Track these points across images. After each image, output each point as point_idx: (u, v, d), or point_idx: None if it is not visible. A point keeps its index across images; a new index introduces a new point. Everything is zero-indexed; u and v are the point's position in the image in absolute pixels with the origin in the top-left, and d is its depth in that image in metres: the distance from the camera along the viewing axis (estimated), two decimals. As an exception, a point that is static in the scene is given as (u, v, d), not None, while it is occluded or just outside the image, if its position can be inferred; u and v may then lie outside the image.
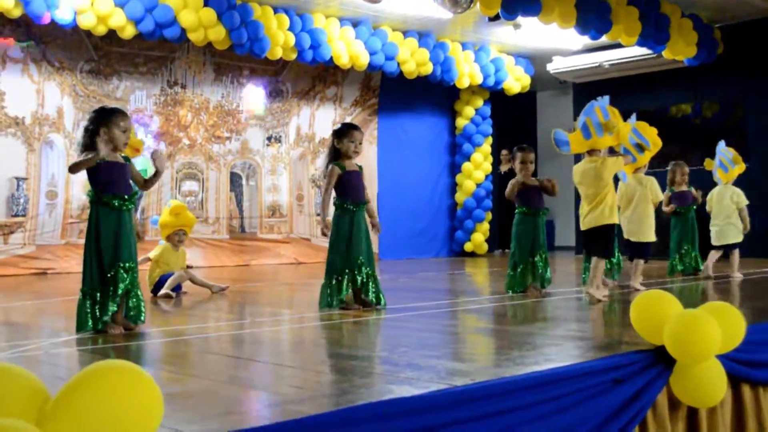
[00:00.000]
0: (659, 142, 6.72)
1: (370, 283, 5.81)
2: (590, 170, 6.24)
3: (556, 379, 3.11)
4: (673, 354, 3.55)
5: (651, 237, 7.39)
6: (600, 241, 6.23)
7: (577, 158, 6.77)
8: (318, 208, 12.46)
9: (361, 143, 5.94)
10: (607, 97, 6.35)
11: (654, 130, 6.71)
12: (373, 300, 5.80)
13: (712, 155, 8.57)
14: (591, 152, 6.32)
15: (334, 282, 5.75)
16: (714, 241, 8.44)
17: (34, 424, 1.80)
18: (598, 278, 6.21)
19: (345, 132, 5.87)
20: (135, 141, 5.43)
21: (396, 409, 2.58)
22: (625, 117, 6.70)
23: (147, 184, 5.09)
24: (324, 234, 6.02)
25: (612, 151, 6.61)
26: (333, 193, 5.86)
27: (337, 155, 5.88)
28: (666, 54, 11.31)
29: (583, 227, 6.33)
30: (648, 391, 3.42)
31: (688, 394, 3.57)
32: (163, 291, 6.88)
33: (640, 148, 6.59)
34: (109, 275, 4.61)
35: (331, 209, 5.93)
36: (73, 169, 4.75)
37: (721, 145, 8.42)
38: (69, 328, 4.70)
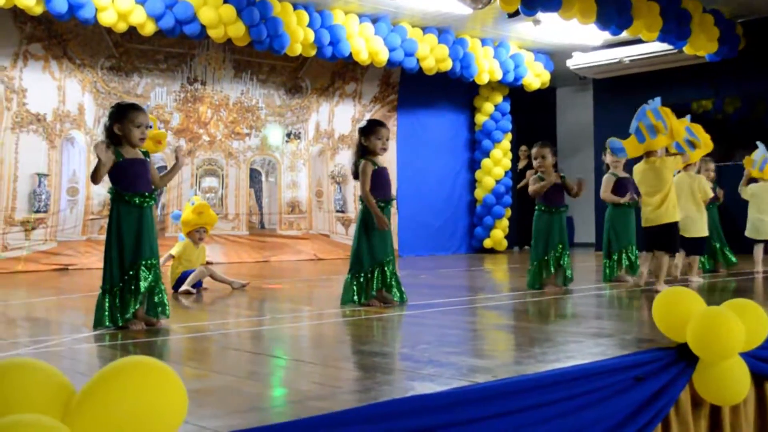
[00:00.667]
0: (711, 145, 6.95)
1: (394, 280, 5.81)
2: (650, 170, 6.56)
3: (577, 377, 3.09)
4: (696, 351, 3.52)
5: (704, 232, 7.55)
6: (664, 238, 6.51)
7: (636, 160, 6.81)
8: (338, 205, 12.49)
9: (388, 139, 5.86)
10: (658, 99, 6.58)
11: (707, 135, 6.91)
12: (397, 297, 5.79)
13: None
14: (648, 154, 6.60)
15: (362, 278, 5.73)
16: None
17: (60, 420, 1.81)
18: (664, 273, 6.58)
19: (371, 129, 5.81)
20: (158, 133, 5.45)
21: (418, 406, 2.58)
22: (679, 116, 6.83)
23: (164, 179, 5.10)
24: (382, 228, 5.76)
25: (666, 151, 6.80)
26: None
27: (364, 152, 5.82)
28: (687, 50, 11.22)
29: (645, 224, 6.62)
30: (670, 389, 3.40)
31: (711, 392, 3.54)
32: (183, 287, 6.92)
33: (693, 145, 6.74)
34: (130, 272, 4.62)
35: (354, 205, 5.88)
36: (94, 178, 4.69)
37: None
38: (90, 324, 4.72)
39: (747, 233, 8.58)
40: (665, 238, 6.50)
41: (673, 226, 6.55)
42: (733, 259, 8.55)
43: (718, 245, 8.57)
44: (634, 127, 6.55)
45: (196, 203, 7.46)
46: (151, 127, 4.98)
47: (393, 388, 2.94)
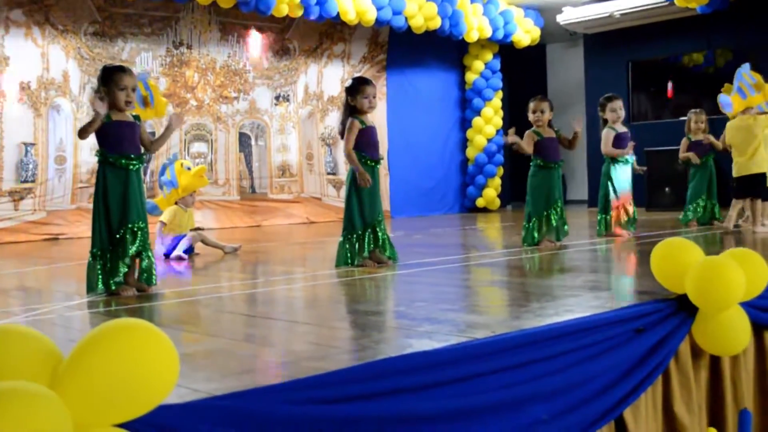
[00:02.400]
0: None
1: (386, 240, 5.77)
2: (744, 127, 7.48)
3: (577, 330, 3.05)
4: (696, 302, 3.48)
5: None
6: (755, 185, 7.50)
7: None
8: (329, 167, 12.41)
9: (375, 97, 5.78)
10: (747, 64, 7.64)
11: None
12: (390, 256, 5.76)
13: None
14: (744, 111, 7.56)
15: (354, 239, 5.69)
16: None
17: (48, 386, 1.76)
18: (758, 216, 7.54)
19: (357, 87, 5.72)
20: (161, 101, 5.43)
21: (416, 363, 2.53)
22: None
23: (155, 143, 5.03)
24: (366, 185, 5.67)
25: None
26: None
27: (352, 112, 5.74)
28: (678, 2, 11.11)
29: (737, 174, 7.58)
30: (670, 340, 3.36)
31: (711, 343, 3.51)
32: (175, 253, 6.87)
33: None
34: (117, 236, 4.56)
35: (346, 167, 5.83)
36: (81, 134, 4.62)
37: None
38: (82, 292, 4.67)
39: None
40: (755, 185, 7.48)
41: (762, 176, 7.45)
42: (719, 216, 8.50)
43: (704, 198, 8.48)
44: (736, 88, 7.54)
45: (199, 167, 7.52)
46: (137, 89, 4.88)
47: (390, 346, 2.89)
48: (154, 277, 4.74)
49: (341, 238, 5.76)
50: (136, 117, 4.80)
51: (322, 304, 4.39)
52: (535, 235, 6.67)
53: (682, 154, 8.62)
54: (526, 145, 6.74)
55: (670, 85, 13.58)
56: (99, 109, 4.49)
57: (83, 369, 1.78)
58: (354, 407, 2.29)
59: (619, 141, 7.45)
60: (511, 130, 6.64)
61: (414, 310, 3.69)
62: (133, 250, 4.58)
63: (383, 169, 5.90)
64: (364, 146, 5.73)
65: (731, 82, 7.71)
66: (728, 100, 7.59)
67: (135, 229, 4.59)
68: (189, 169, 7.37)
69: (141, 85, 5.26)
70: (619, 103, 7.47)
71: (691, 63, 13.19)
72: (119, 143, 4.61)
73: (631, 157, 7.54)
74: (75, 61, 10.19)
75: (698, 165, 8.51)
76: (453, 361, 2.61)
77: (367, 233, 5.68)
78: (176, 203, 7.24)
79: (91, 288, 4.59)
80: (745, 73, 7.49)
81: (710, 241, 6.85)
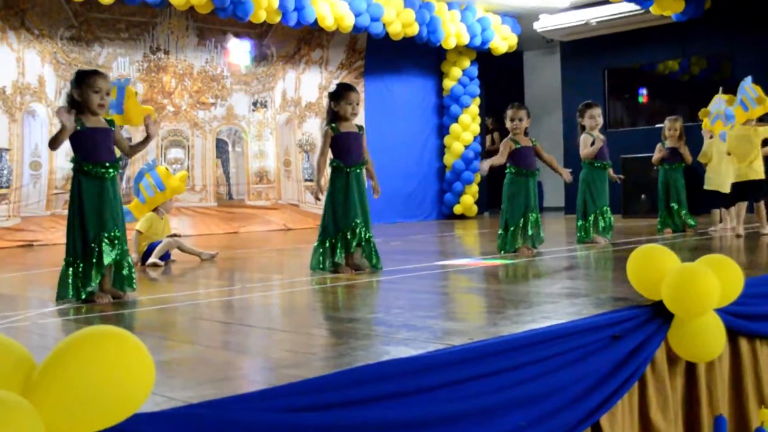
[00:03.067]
0: None
1: (371, 248, 5.77)
2: (744, 136, 7.80)
3: (554, 337, 3.06)
4: (671, 308, 3.50)
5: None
6: (752, 190, 7.81)
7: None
8: (305, 174, 12.38)
9: (358, 104, 5.89)
10: (749, 78, 7.91)
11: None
12: (372, 263, 5.75)
13: (700, 112, 8.65)
14: (745, 122, 7.89)
15: (327, 245, 5.72)
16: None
17: (20, 394, 1.73)
18: (765, 218, 7.88)
19: (340, 93, 5.81)
20: (144, 109, 5.40)
21: (394, 371, 2.53)
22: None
23: (133, 150, 5.00)
24: (317, 198, 5.97)
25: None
26: (330, 155, 5.83)
27: (334, 117, 5.82)
28: (654, 9, 11.20)
29: (736, 180, 7.87)
30: (646, 347, 3.38)
31: (687, 349, 3.53)
32: (151, 259, 6.82)
33: None
34: (93, 245, 4.51)
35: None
36: (52, 145, 4.55)
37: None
38: (55, 299, 4.62)
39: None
40: (755, 190, 7.81)
41: (760, 182, 7.79)
42: (692, 222, 8.58)
43: (674, 205, 8.57)
44: (739, 101, 7.85)
45: (181, 173, 7.49)
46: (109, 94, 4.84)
47: (367, 353, 2.88)
48: (134, 282, 4.70)
49: (316, 242, 5.82)
50: (111, 122, 4.75)
51: (299, 311, 4.37)
52: (512, 242, 6.68)
53: (654, 159, 8.74)
54: (501, 155, 6.78)
55: (644, 91, 13.67)
56: (65, 122, 4.43)
57: (57, 376, 1.76)
58: (331, 415, 2.28)
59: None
60: (496, 135, 6.73)
61: (391, 317, 3.69)
62: (111, 258, 4.54)
63: (363, 173, 5.93)
64: (338, 153, 5.83)
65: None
66: (731, 112, 7.94)
67: (112, 237, 4.55)
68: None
69: (114, 90, 5.23)
70: (598, 111, 7.56)
71: (667, 70, 13.29)
72: (94, 150, 4.55)
73: (608, 163, 7.59)
74: (51, 66, 10.12)
75: (667, 171, 8.59)
76: (430, 368, 2.61)
77: (338, 238, 5.69)
78: (154, 210, 7.17)
79: (61, 295, 4.54)
80: (747, 86, 7.82)
81: (686, 247, 6.89)
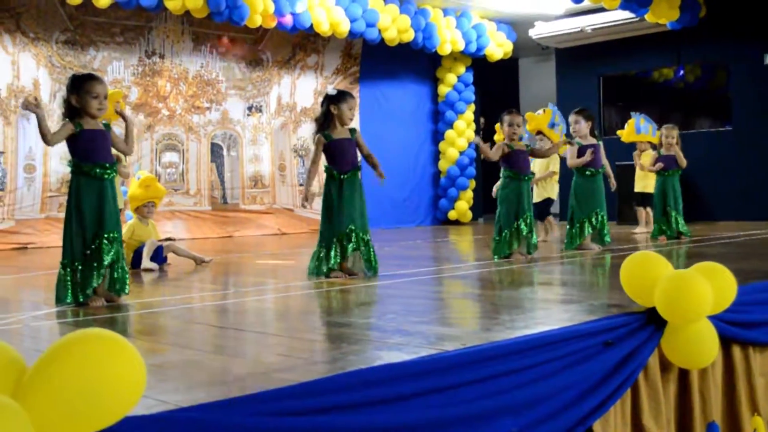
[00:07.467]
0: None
1: (369, 251, 5.77)
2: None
3: (547, 343, 3.05)
4: (665, 315, 3.50)
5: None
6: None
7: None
8: (300, 178, 12.38)
9: (354, 110, 6.00)
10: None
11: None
12: (371, 265, 5.74)
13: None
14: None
15: (324, 250, 5.71)
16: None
17: (11, 396, 1.73)
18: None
19: (342, 98, 5.87)
20: (115, 92, 5.32)
21: (386, 375, 2.52)
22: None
23: (128, 146, 4.98)
24: (303, 205, 6.02)
25: None
26: (324, 162, 5.85)
27: (327, 122, 5.84)
28: (649, 17, 11.23)
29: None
30: (639, 354, 3.38)
31: (680, 356, 3.53)
32: (144, 264, 6.77)
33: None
34: (93, 247, 4.50)
35: (319, 178, 5.91)
36: (45, 139, 4.51)
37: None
38: (50, 302, 4.61)
39: None
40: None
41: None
42: (684, 229, 8.60)
43: (671, 212, 8.57)
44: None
45: (143, 176, 7.29)
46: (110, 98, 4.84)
47: (360, 358, 2.88)
48: (126, 286, 4.68)
49: (315, 248, 5.84)
50: (106, 125, 4.75)
51: (292, 316, 4.36)
52: (505, 247, 6.68)
53: (649, 168, 8.75)
54: (493, 153, 6.75)
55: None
56: (34, 110, 4.47)
57: (47, 379, 1.75)
58: (323, 419, 2.28)
59: (581, 154, 7.50)
60: (482, 120, 6.72)
61: (384, 322, 3.68)
62: (108, 259, 4.53)
63: (357, 179, 5.96)
64: (331, 159, 5.87)
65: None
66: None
67: (110, 238, 4.55)
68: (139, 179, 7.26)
69: None
70: (574, 117, 7.52)
71: (662, 78, 13.32)
72: (93, 152, 4.56)
73: (598, 171, 7.50)
74: (46, 69, 10.11)
75: (663, 178, 8.60)
76: (423, 374, 2.60)
77: (334, 244, 5.69)
78: (135, 216, 7.10)
79: (60, 299, 4.53)
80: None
81: (679, 255, 6.90)
